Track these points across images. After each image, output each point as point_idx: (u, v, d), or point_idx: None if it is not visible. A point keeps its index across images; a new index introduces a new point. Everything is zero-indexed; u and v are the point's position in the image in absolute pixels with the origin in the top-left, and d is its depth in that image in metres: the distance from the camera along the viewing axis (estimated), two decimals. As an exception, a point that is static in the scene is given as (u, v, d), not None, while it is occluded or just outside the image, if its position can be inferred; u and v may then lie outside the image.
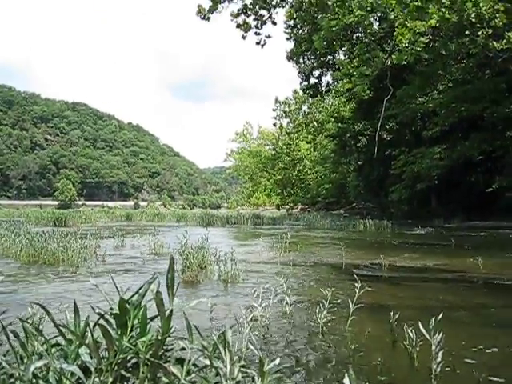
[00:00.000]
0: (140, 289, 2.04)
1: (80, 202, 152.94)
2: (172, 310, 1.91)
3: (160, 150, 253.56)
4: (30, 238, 13.50)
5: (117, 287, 2.14)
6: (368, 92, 31.37)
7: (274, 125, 63.57)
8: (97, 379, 1.86)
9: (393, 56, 26.78)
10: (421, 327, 2.99)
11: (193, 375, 1.93)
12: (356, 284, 5.43)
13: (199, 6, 27.30)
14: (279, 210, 70.23)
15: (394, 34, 22.25)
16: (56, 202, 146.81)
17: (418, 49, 25.90)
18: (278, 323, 5.90)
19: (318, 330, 5.43)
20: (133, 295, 2.03)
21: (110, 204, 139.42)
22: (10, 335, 2.12)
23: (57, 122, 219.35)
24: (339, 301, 5.64)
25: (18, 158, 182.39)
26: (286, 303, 6.33)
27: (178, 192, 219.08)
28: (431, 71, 30.79)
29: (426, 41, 26.18)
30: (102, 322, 2.00)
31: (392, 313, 5.06)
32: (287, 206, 69.34)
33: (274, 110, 63.06)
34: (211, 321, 4.88)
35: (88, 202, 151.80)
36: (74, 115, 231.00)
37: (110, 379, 1.86)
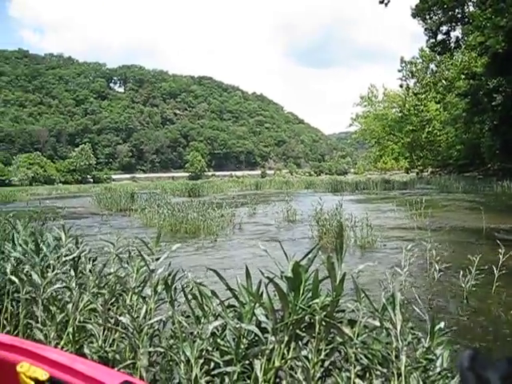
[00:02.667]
0: (309, 253, 2.13)
1: (209, 173, 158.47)
2: (345, 273, 1.98)
3: (284, 118, 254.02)
4: (170, 208, 14.33)
5: (285, 253, 2.25)
6: (503, 44, 29.31)
7: (401, 86, 61.26)
8: (273, 338, 1.98)
9: (532, 3, 24.78)
10: None
11: (364, 335, 2.00)
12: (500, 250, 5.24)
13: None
14: (408, 173, 68.16)
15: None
16: (187, 174, 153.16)
17: (561, -8, 23.72)
18: (422, 288, 5.84)
19: (461, 294, 5.32)
20: (302, 259, 2.12)
21: (238, 173, 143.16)
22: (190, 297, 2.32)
23: (184, 96, 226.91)
24: (486, 267, 5.45)
25: (151, 134, 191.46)
26: (428, 268, 6.24)
27: (304, 159, 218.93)
28: None
29: None
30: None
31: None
32: (416, 170, 66.98)
33: (399, 71, 60.56)
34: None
35: (217, 173, 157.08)
36: (200, 89, 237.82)
37: (286, 338, 1.98)
